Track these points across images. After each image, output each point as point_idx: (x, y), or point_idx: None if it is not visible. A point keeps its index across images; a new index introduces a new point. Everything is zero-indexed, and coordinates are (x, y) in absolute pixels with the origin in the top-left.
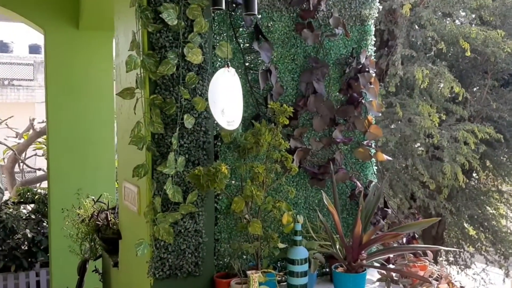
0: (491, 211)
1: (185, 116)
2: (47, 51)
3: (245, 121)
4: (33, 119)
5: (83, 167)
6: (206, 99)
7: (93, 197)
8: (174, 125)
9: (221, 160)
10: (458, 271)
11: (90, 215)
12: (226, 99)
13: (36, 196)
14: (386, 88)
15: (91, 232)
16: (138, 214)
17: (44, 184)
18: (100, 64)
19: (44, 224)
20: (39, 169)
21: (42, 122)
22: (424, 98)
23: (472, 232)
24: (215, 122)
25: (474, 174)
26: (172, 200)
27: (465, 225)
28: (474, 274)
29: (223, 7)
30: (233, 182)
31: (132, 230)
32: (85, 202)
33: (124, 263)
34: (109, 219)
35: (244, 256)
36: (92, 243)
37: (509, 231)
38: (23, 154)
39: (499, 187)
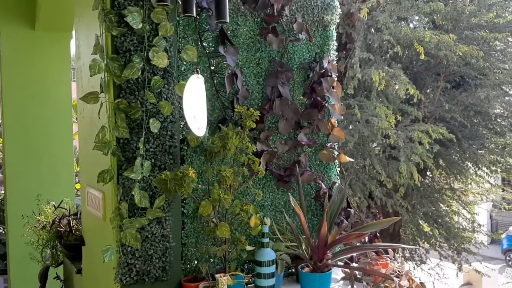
0: (444, 208)
1: (150, 121)
2: (2, 53)
3: (212, 125)
4: None
5: (41, 172)
6: (172, 103)
7: (53, 203)
8: (139, 130)
9: (188, 164)
10: (414, 267)
11: (51, 222)
12: (196, 105)
13: None
14: (345, 90)
15: (52, 238)
16: (103, 220)
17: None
18: (58, 66)
19: (0, 230)
20: None
21: None
22: (381, 99)
23: (426, 228)
24: (181, 126)
25: (428, 173)
26: (138, 206)
27: (420, 222)
28: (429, 269)
29: (194, 14)
30: (200, 186)
31: (96, 236)
32: (46, 208)
33: (89, 270)
34: (72, 225)
35: (212, 260)
36: (54, 250)
37: (461, 227)
38: None
39: (452, 184)
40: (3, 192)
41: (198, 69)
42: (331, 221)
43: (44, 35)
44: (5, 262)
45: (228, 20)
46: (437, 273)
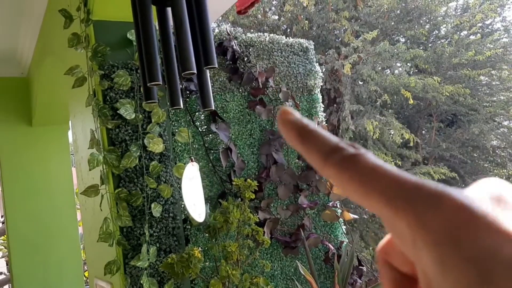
0: None
1: (152, 205)
2: (0, 151)
3: (212, 200)
4: None
5: (48, 266)
6: (171, 185)
7: None
8: (141, 216)
9: (193, 244)
10: None
11: None
12: (194, 192)
13: None
14: None
15: None
16: None
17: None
18: (57, 157)
19: None
20: (1, 273)
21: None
22: (378, 147)
23: None
24: (182, 206)
25: None
26: None
27: None
28: None
29: (181, 106)
30: (207, 263)
31: None
32: None
33: None
34: None
35: None
36: None
37: None
38: None
39: None
40: None
41: (192, 158)
42: (344, 283)
43: (41, 130)
44: None
45: (213, 107)
46: None
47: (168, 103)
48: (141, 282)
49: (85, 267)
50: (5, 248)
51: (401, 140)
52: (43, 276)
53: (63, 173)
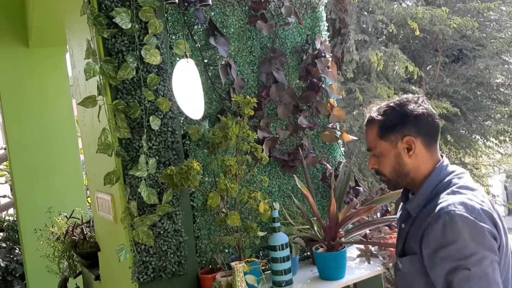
0: None
1: (150, 118)
2: None
3: (211, 117)
4: None
5: (50, 187)
6: (170, 99)
7: (65, 214)
8: (140, 128)
9: (191, 158)
10: None
11: (65, 232)
12: (189, 89)
13: (5, 224)
14: (344, 75)
15: (68, 249)
16: (115, 222)
17: (11, 211)
18: (56, 81)
19: (17, 251)
20: (4, 196)
21: (1, 148)
22: (382, 81)
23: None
24: (181, 121)
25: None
26: (147, 203)
27: None
28: None
29: (176, 0)
30: (206, 179)
31: (110, 239)
32: (58, 219)
33: (106, 274)
34: (85, 233)
35: (226, 250)
36: (70, 260)
37: None
38: None
39: (462, 159)
40: (15, 213)
41: (187, 54)
42: (340, 199)
43: (39, 52)
44: (24, 282)
45: (211, 3)
46: None
47: (166, 7)
48: (140, 190)
49: (88, 193)
50: (8, 173)
51: (405, 75)
52: (46, 196)
53: (62, 98)
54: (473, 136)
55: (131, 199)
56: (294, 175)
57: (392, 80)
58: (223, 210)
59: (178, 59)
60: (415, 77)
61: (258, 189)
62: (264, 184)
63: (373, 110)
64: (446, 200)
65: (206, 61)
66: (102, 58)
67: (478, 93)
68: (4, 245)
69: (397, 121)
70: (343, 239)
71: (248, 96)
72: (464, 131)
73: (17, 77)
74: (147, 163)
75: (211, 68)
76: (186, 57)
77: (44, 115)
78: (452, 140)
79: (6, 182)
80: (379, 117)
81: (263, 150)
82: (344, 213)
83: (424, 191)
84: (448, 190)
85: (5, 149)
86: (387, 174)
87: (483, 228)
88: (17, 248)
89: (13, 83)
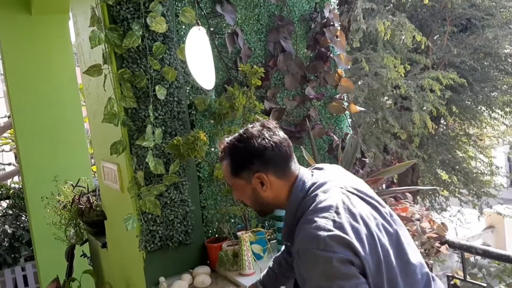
0: (461, 155)
1: (156, 88)
2: (1, 41)
3: (217, 87)
4: None
5: (56, 155)
6: (176, 68)
7: (71, 182)
8: (146, 98)
9: (198, 129)
10: (435, 216)
11: (71, 200)
12: (201, 58)
13: (11, 191)
14: (350, 45)
15: (74, 217)
16: (121, 191)
17: (16, 179)
18: (59, 48)
19: (23, 218)
20: (9, 164)
21: (5, 117)
22: (388, 50)
23: (444, 176)
24: (187, 90)
25: (442, 121)
26: (154, 173)
27: (438, 170)
28: (450, 216)
29: None
30: (212, 149)
31: (116, 208)
32: (64, 188)
33: (113, 243)
34: (91, 201)
35: (232, 220)
36: (77, 228)
37: (479, 171)
38: None
39: (467, 130)
40: (20, 181)
41: (199, 21)
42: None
43: (42, 19)
44: (31, 248)
45: None
46: (458, 219)
47: None
48: (147, 160)
49: (93, 161)
50: (12, 141)
51: (412, 44)
52: (51, 164)
53: (66, 66)
54: (479, 107)
55: (138, 169)
56: (300, 146)
57: (398, 50)
58: None
59: (184, 27)
60: (422, 47)
61: None
62: None
63: (222, 148)
64: (300, 232)
65: (212, 29)
66: (107, 26)
67: (486, 63)
68: (10, 212)
69: (244, 160)
70: None
71: (255, 66)
72: (469, 102)
73: (20, 45)
74: (153, 133)
75: (217, 36)
76: (198, 24)
77: (47, 83)
78: (457, 111)
79: (10, 150)
80: (228, 157)
81: None
82: None
83: (288, 219)
84: (307, 216)
85: (9, 117)
86: (251, 206)
87: (331, 259)
88: (23, 215)
89: (16, 51)
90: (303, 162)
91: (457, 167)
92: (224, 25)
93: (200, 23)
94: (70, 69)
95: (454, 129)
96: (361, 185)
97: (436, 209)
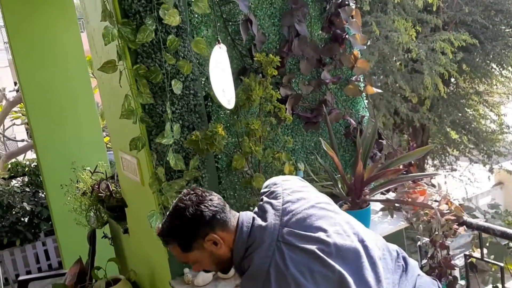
0: (471, 113)
1: (172, 82)
2: (3, 6)
3: (232, 75)
4: (4, 89)
5: (67, 131)
6: (190, 61)
7: (89, 168)
8: (162, 93)
9: (214, 121)
10: (445, 175)
11: (91, 188)
12: (223, 77)
13: (26, 169)
14: (361, 8)
15: (94, 203)
16: (142, 184)
17: (29, 154)
18: (64, 21)
19: (41, 195)
20: (22, 140)
21: (13, 90)
22: (398, 12)
23: (455, 136)
24: (202, 82)
25: (452, 80)
26: (174, 169)
27: (448, 130)
28: (460, 175)
29: None
30: (229, 139)
31: (137, 198)
32: (83, 175)
33: (135, 230)
34: (111, 189)
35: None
36: (97, 213)
37: (489, 130)
38: (1, 126)
39: (477, 88)
40: (35, 157)
41: (219, 39)
42: (365, 157)
43: None
44: (50, 223)
45: None
46: (468, 178)
47: None
48: (167, 158)
49: (104, 133)
50: (23, 115)
51: (422, 4)
52: (63, 141)
53: (72, 39)
54: (490, 66)
55: (158, 165)
56: (320, 138)
57: (409, 11)
58: (248, 171)
59: (196, 15)
60: (434, 7)
61: (282, 147)
62: (289, 145)
63: (160, 235)
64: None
65: (225, 16)
66: (119, 21)
67: (497, 20)
68: (27, 189)
69: (189, 232)
70: (368, 197)
71: (271, 55)
72: (480, 61)
73: (25, 16)
74: (171, 128)
75: (231, 23)
76: (219, 43)
77: (53, 56)
78: (468, 69)
79: (22, 124)
80: (172, 241)
81: (286, 109)
82: (369, 171)
83: (237, 270)
84: (243, 281)
85: (17, 90)
86: (215, 270)
87: None
88: (40, 192)
89: (21, 22)
90: (319, 147)
91: (467, 126)
92: (237, 11)
93: (220, 41)
94: (77, 42)
95: (464, 88)
96: (308, 210)
97: (446, 169)
